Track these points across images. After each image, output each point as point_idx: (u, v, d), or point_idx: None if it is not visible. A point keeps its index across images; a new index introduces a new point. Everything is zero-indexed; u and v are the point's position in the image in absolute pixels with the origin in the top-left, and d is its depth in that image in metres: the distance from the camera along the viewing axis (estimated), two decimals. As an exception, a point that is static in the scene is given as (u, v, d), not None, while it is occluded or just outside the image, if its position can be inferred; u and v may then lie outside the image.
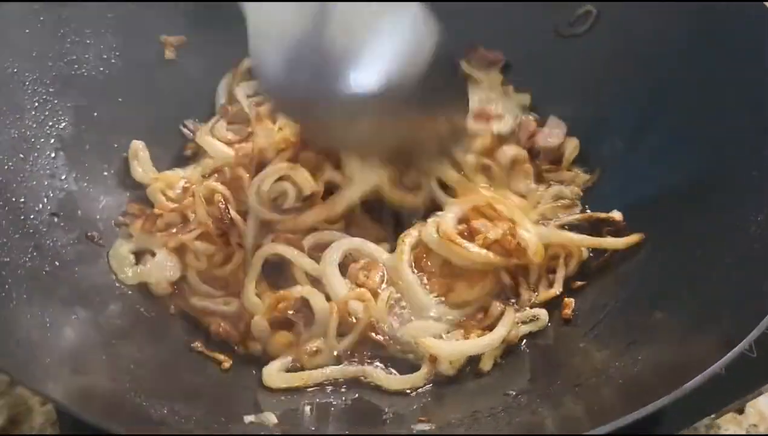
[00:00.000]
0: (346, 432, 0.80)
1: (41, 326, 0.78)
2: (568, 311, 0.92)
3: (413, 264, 0.93)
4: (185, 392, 0.82)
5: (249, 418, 0.77)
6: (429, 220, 0.96)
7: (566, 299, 0.93)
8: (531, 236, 0.96)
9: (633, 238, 0.94)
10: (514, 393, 0.81)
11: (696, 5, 0.99)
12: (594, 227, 0.99)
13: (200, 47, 1.15)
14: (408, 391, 0.86)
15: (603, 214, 0.99)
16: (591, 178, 1.06)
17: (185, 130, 1.12)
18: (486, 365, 0.88)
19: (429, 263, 0.94)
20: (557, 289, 0.95)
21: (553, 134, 1.06)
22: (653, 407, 0.64)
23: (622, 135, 1.05)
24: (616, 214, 0.98)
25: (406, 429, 0.78)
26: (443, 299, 0.92)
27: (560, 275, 0.96)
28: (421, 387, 0.86)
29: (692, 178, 0.94)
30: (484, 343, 0.88)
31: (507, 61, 1.17)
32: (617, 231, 0.97)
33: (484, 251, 0.92)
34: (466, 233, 0.95)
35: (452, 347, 0.87)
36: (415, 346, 0.88)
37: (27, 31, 1.00)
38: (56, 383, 0.72)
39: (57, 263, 0.89)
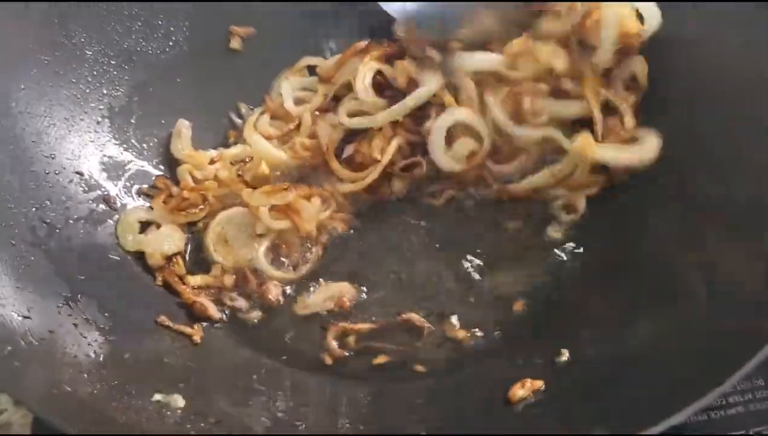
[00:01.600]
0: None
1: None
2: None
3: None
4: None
5: (157, 396, 0.79)
6: None
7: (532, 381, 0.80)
8: None
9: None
10: None
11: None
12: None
13: (266, 41, 1.20)
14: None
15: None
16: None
17: (234, 117, 1.18)
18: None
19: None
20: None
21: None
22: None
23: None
24: None
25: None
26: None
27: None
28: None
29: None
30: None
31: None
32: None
33: None
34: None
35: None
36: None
37: (102, 7, 1.10)
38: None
39: (64, 217, 0.96)
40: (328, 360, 0.92)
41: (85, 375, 0.78)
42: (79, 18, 1.07)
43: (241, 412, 0.82)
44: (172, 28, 1.15)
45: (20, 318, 0.80)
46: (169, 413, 0.78)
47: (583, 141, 0.96)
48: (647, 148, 0.95)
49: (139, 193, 1.07)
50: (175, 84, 1.14)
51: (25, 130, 0.98)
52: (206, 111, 1.16)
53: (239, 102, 1.19)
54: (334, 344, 0.93)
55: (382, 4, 1.11)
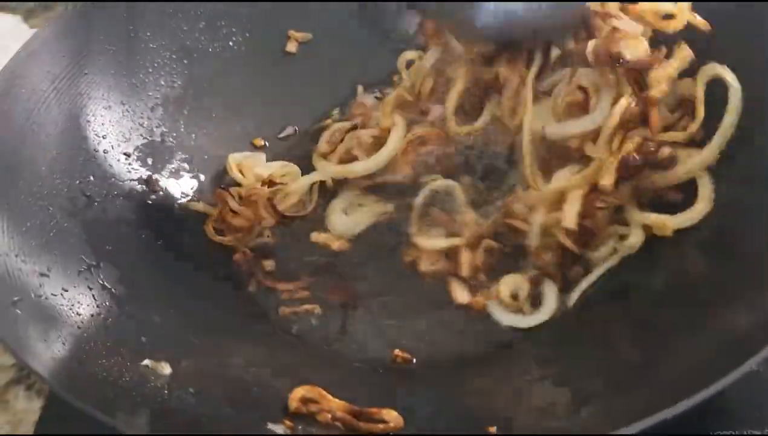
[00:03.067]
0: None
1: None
2: None
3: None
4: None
5: (146, 362, 0.84)
6: None
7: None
8: None
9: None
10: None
11: None
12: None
13: (321, 46, 1.25)
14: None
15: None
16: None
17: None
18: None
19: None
20: None
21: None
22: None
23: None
24: None
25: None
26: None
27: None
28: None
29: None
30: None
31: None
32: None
33: None
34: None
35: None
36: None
37: (170, 9, 1.18)
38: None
39: (104, 192, 1.04)
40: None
41: (84, 334, 0.84)
42: (148, 14, 1.16)
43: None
44: (233, 29, 1.22)
45: (37, 274, 0.87)
46: (153, 378, 0.82)
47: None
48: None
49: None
50: (230, 81, 1.21)
51: (83, 110, 1.07)
52: (259, 109, 1.22)
53: (288, 103, 1.23)
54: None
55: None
